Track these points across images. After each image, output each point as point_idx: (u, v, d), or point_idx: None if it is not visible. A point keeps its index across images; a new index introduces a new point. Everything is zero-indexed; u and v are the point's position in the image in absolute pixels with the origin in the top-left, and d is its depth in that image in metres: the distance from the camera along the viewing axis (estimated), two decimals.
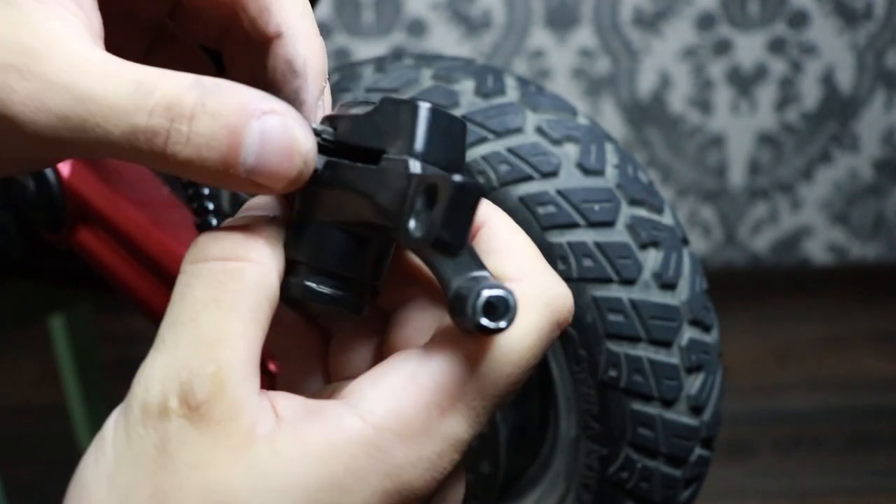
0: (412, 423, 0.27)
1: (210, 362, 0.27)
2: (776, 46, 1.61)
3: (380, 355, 0.32)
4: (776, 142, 1.67)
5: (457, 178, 0.25)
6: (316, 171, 0.29)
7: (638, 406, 0.73)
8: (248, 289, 0.28)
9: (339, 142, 0.30)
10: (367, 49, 1.59)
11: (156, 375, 0.27)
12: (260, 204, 0.31)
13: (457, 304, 0.26)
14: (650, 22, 1.59)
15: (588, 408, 0.76)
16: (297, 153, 0.28)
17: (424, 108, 0.29)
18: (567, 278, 0.73)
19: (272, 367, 0.57)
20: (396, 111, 0.29)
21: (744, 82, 1.63)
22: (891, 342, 1.57)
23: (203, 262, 0.28)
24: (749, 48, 1.61)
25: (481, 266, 0.27)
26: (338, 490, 0.26)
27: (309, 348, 0.34)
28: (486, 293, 0.25)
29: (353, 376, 0.30)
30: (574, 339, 0.74)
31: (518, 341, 0.28)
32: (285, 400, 0.28)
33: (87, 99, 0.26)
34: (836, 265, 1.74)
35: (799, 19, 1.59)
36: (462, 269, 0.27)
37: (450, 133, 0.29)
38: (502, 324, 0.26)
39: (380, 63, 0.83)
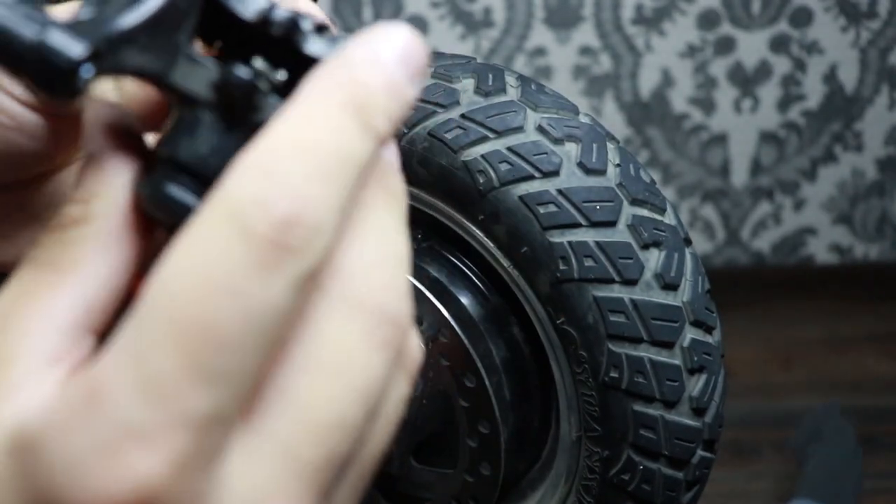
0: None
1: None
2: (779, 45, 1.60)
3: None
4: (779, 141, 1.66)
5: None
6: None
7: (639, 407, 0.73)
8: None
9: None
10: None
11: None
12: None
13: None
14: (652, 20, 1.58)
15: (589, 409, 0.76)
16: None
17: None
18: (568, 278, 0.72)
19: None
20: None
21: (746, 81, 1.62)
22: (894, 343, 1.56)
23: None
24: (752, 46, 1.60)
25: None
26: None
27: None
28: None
29: None
30: (575, 340, 0.73)
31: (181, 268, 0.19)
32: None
33: None
34: (840, 265, 1.74)
35: (802, 17, 1.59)
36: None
37: None
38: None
39: None
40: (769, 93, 1.63)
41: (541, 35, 1.58)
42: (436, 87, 0.76)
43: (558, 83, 1.60)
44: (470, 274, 0.81)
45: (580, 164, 0.73)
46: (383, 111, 0.21)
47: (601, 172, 0.73)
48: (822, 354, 1.54)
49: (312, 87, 0.21)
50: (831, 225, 1.72)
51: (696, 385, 0.74)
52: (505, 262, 0.74)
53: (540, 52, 1.59)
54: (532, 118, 0.74)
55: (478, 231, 0.74)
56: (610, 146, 0.75)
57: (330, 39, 0.24)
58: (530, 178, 0.72)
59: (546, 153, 0.73)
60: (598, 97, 1.62)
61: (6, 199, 0.32)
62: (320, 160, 0.20)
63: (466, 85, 0.76)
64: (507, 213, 0.72)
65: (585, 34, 1.58)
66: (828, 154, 1.68)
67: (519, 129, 0.74)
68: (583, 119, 0.76)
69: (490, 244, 0.74)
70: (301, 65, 0.23)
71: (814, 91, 1.63)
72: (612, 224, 0.72)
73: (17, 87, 0.28)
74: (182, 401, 0.18)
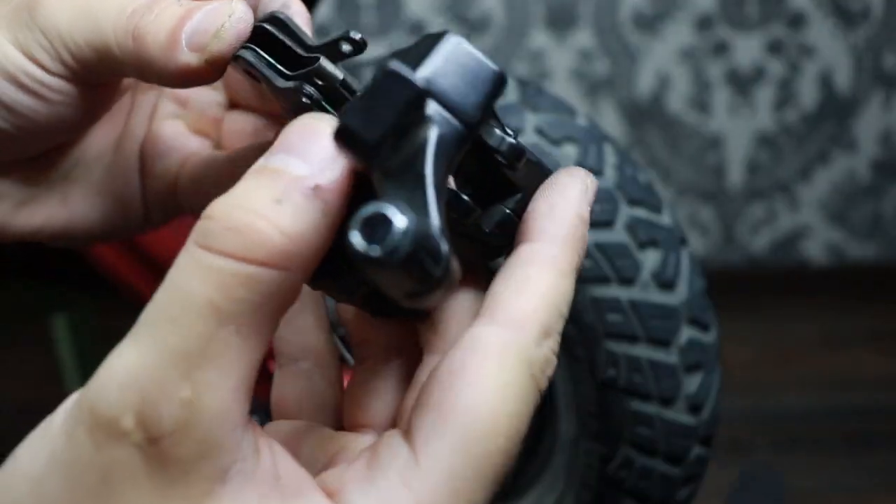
0: None
1: (185, 384, 0.21)
2: (774, 47, 1.61)
3: (402, 401, 0.27)
4: (774, 142, 1.67)
5: (394, 64, 0.22)
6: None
7: (637, 405, 0.74)
8: (264, 302, 0.22)
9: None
10: (367, 50, 1.59)
11: (117, 377, 0.22)
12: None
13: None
14: (649, 23, 1.59)
15: (587, 407, 0.76)
16: (221, 15, 0.27)
17: (451, 37, 0.24)
18: None
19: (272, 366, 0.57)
20: (427, 40, 0.24)
21: (742, 83, 1.63)
22: (889, 341, 1.57)
23: (213, 252, 0.22)
24: (747, 49, 1.61)
25: (435, 205, 0.21)
26: None
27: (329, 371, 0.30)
28: (371, 208, 0.20)
29: (369, 425, 0.27)
30: (573, 338, 0.74)
31: (501, 407, 0.23)
32: (275, 451, 0.23)
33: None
34: (835, 265, 1.75)
35: (797, 20, 1.60)
36: (404, 195, 0.22)
37: (474, 74, 0.24)
38: (374, 250, 0.20)
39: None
40: (764, 95, 1.64)
41: (539, 38, 1.59)
42: None
43: (557, 85, 1.60)
44: None
45: (578, 165, 0.74)
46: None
47: (599, 173, 0.74)
48: (818, 353, 1.55)
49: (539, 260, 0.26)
50: (826, 225, 1.73)
51: (692, 383, 0.75)
52: None
53: (538, 54, 1.60)
54: (531, 120, 0.75)
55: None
56: (607, 147, 0.76)
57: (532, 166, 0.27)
58: None
59: (544, 154, 0.74)
60: (595, 99, 1.63)
61: (34, 168, 0.33)
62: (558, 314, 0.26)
63: None
64: None
65: (583, 37, 1.59)
66: (823, 155, 1.69)
67: (518, 131, 0.75)
68: (581, 121, 0.77)
69: None
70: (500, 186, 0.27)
71: (809, 93, 1.64)
72: (609, 224, 0.73)
73: (47, 59, 0.29)
74: None
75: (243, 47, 0.29)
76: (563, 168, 0.27)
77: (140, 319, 0.22)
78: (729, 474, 1.29)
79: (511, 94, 0.77)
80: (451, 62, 0.24)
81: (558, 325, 0.25)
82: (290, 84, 0.29)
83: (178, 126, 0.36)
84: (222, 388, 0.21)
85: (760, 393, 1.46)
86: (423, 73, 0.23)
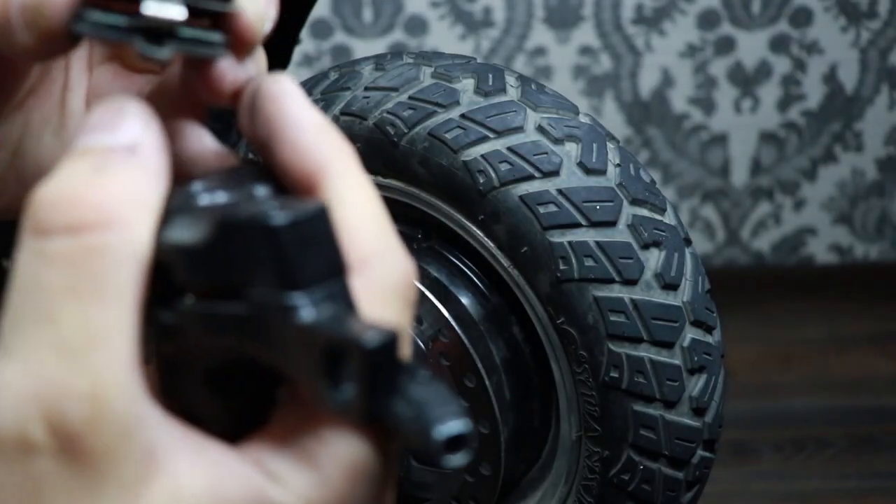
0: None
1: (78, 375, 0.20)
2: (779, 45, 1.60)
3: None
4: (779, 141, 1.66)
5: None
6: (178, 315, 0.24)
7: (640, 407, 0.73)
8: (116, 267, 0.21)
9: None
10: (366, 47, 1.58)
11: (8, 393, 0.20)
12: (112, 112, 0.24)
13: (413, 438, 0.22)
14: (652, 20, 1.58)
15: (589, 409, 0.76)
16: None
17: (278, 227, 0.23)
18: (568, 278, 0.72)
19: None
20: (244, 238, 0.23)
21: (746, 81, 1.62)
22: (894, 343, 1.56)
23: (49, 236, 0.21)
24: (752, 46, 1.60)
25: (415, 378, 0.23)
26: None
27: None
28: (443, 430, 0.22)
29: None
30: (575, 340, 0.73)
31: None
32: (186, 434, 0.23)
33: None
34: (840, 265, 1.74)
35: (802, 17, 1.59)
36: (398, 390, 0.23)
37: (316, 236, 0.23)
38: (460, 458, 0.22)
39: (379, 61, 0.82)
40: (769, 93, 1.63)
41: (541, 35, 1.58)
42: (436, 87, 0.76)
43: (558, 83, 1.60)
44: (470, 274, 0.81)
45: (580, 164, 0.73)
46: None
47: (601, 172, 0.73)
48: (822, 354, 1.54)
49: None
50: (831, 225, 1.72)
51: (696, 385, 0.74)
52: (505, 262, 0.74)
53: (540, 51, 1.59)
54: (532, 118, 0.74)
55: (478, 231, 0.74)
56: (610, 146, 0.75)
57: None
58: (530, 177, 0.72)
59: (546, 153, 0.73)
60: (598, 97, 1.62)
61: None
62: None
63: (466, 85, 0.76)
64: (507, 213, 0.72)
65: (585, 34, 1.58)
66: (828, 154, 1.68)
67: (519, 129, 0.74)
68: (583, 119, 0.76)
69: (490, 244, 0.74)
70: None
71: (814, 91, 1.63)
72: (612, 224, 0.72)
73: None
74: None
75: (83, 12, 0.26)
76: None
77: (4, 331, 0.21)
78: (733, 478, 1.28)
79: (512, 92, 0.76)
80: (300, 247, 0.23)
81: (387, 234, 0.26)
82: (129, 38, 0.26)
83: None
84: (115, 368, 0.21)
85: (765, 395, 1.45)
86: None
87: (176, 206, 0.24)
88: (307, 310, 0.22)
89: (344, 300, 0.23)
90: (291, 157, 0.25)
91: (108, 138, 0.23)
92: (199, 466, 0.21)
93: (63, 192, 0.22)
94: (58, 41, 0.26)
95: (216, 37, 0.27)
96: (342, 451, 0.22)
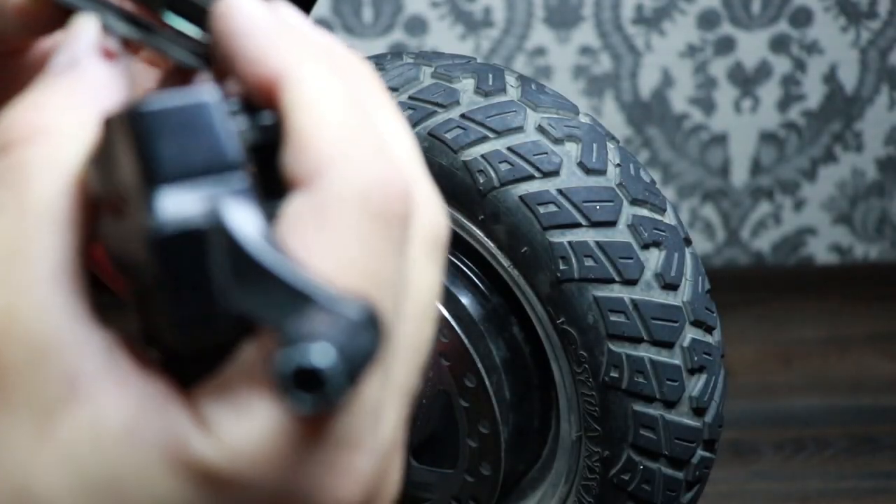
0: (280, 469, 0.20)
1: None
2: (779, 45, 1.60)
3: None
4: (779, 141, 1.66)
5: (162, 228, 0.19)
6: None
7: (640, 407, 0.73)
8: (36, 179, 0.21)
9: None
10: (366, 47, 1.58)
11: None
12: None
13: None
14: (652, 20, 1.58)
15: (589, 409, 0.76)
16: None
17: (140, 113, 0.20)
18: (568, 278, 0.72)
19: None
20: (120, 133, 0.21)
21: (746, 81, 1.62)
22: (894, 343, 1.56)
23: None
24: (752, 46, 1.60)
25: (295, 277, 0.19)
26: None
27: None
28: (291, 358, 0.18)
29: None
30: (575, 340, 0.73)
31: (342, 271, 0.20)
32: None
33: None
34: (840, 265, 1.74)
35: (802, 17, 1.59)
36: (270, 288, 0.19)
37: (195, 126, 0.20)
38: (308, 402, 0.18)
39: (379, 61, 0.82)
40: (769, 93, 1.62)
41: (541, 35, 1.58)
42: (436, 87, 0.76)
43: (558, 83, 1.60)
44: (470, 274, 0.81)
45: (580, 164, 0.73)
46: None
47: (601, 172, 0.73)
48: (822, 354, 1.54)
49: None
50: (831, 225, 1.72)
51: (696, 385, 0.74)
52: (505, 262, 0.74)
53: (540, 51, 1.59)
54: (532, 118, 0.74)
55: (478, 231, 0.74)
56: (610, 146, 0.75)
57: None
58: (530, 178, 0.72)
59: (546, 153, 0.73)
60: (597, 97, 1.62)
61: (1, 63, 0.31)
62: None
63: (466, 85, 0.76)
64: (507, 213, 0.72)
65: (585, 34, 1.58)
66: (828, 154, 1.68)
67: (519, 129, 0.74)
68: (583, 119, 0.76)
69: (490, 244, 0.74)
70: None
71: (814, 91, 1.63)
72: (612, 224, 0.72)
73: None
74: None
75: None
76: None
77: None
78: (733, 478, 1.28)
79: (512, 92, 0.76)
80: (166, 137, 0.21)
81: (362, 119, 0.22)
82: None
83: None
84: (35, 284, 0.20)
85: (765, 395, 1.45)
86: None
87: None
88: (163, 204, 0.19)
89: (242, 200, 0.20)
90: (245, 69, 0.22)
91: (57, 58, 0.23)
92: (124, 401, 0.20)
93: (6, 116, 0.22)
94: (49, 2, 0.25)
95: (197, 36, 0.25)
96: (276, 404, 0.20)
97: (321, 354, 0.18)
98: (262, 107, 0.22)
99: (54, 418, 0.19)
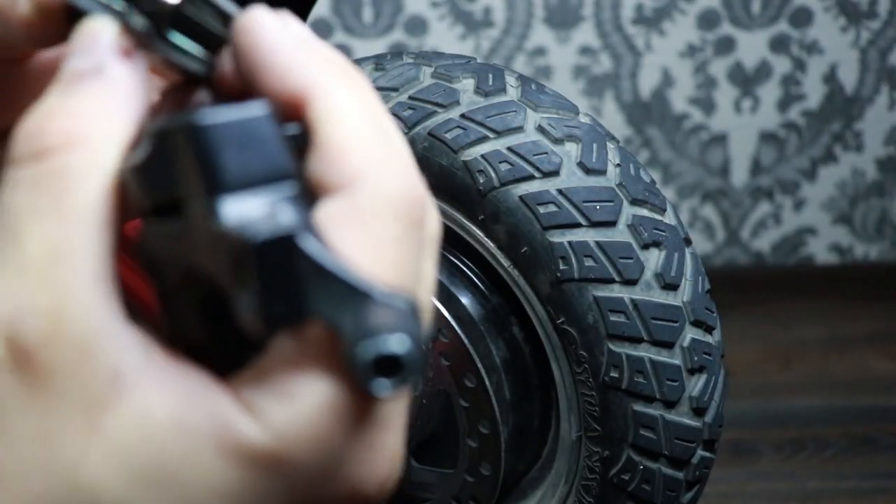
0: (328, 454, 0.21)
1: (43, 292, 0.20)
2: (779, 45, 1.60)
3: None
4: (779, 141, 1.66)
5: (258, 235, 0.20)
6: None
7: (640, 407, 0.73)
8: (77, 185, 0.22)
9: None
10: (366, 47, 1.58)
11: None
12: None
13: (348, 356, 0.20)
14: (652, 20, 1.58)
15: (589, 409, 0.76)
16: None
17: (201, 127, 0.22)
18: (568, 278, 0.72)
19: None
20: (175, 145, 0.22)
21: (746, 81, 1.62)
22: (894, 343, 1.56)
23: (18, 164, 0.22)
24: (751, 46, 1.60)
25: (356, 282, 0.20)
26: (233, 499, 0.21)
27: None
28: (371, 347, 0.20)
29: None
30: (575, 340, 0.73)
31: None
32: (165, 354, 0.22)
33: None
34: (840, 265, 1.74)
35: (802, 17, 1.59)
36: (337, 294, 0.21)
37: (252, 138, 0.22)
38: (389, 387, 0.20)
39: (379, 61, 0.82)
40: (769, 93, 1.63)
41: (541, 35, 1.58)
42: (436, 87, 0.76)
43: (558, 83, 1.60)
44: (470, 274, 0.81)
45: (580, 164, 0.73)
46: None
47: (601, 172, 0.73)
48: (822, 354, 1.54)
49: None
50: (831, 225, 1.72)
51: (696, 385, 0.74)
52: (505, 262, 0.74)
53: (540, 51, 1.59)
54: (532, 118, 0.74)
55: (478, 231, 0.74)
56: (610, 146, 0.75)
57: None
58: (530, 178, 0.72)
59: (546, 153, 0.73)
60: (597, 97, 1.62)
61: (5, 70, 0.32)
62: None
63: (466, 85, 0.76)
64: (507, 213, 0.72)
65: (585, 34, 1.58)
66: (828, 154, 1.68)
67: (519, 129, 0.74)
68: (583, 119, 0.76)
69: (490, 244, 0.74)
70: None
71: (814, 91, 1.63)
72: (612, 224, 0.72)
73: None
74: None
75: None
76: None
77: None
78: (733, 478, 1.28)
79: (512, 92, 0.76)
80: (228, 149, 0.22)
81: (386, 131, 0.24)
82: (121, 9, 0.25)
83: None
84: (78, 285, 0.21)
85: (765, 395, 1.45)
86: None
87: (149, 130, 0.23)
88: (229, 210, 0.21)
89: (294, 206, 0.21)
90: (273, 84, 0.24)
91: (78, 62, 0.23)
92: (168, 392, 0.21)
93: (33, 121, 0.22)
94: (56, 16, 0.26)
95: (201, 54, 0.26)
96: (323, 389, 0.21)
97: (399, 343, 0.20)
98: (285, 118, 0.24)
99: (103, 413, 0.20)
